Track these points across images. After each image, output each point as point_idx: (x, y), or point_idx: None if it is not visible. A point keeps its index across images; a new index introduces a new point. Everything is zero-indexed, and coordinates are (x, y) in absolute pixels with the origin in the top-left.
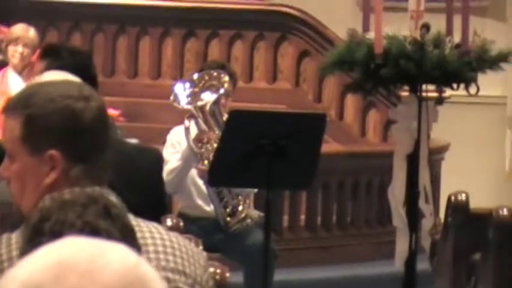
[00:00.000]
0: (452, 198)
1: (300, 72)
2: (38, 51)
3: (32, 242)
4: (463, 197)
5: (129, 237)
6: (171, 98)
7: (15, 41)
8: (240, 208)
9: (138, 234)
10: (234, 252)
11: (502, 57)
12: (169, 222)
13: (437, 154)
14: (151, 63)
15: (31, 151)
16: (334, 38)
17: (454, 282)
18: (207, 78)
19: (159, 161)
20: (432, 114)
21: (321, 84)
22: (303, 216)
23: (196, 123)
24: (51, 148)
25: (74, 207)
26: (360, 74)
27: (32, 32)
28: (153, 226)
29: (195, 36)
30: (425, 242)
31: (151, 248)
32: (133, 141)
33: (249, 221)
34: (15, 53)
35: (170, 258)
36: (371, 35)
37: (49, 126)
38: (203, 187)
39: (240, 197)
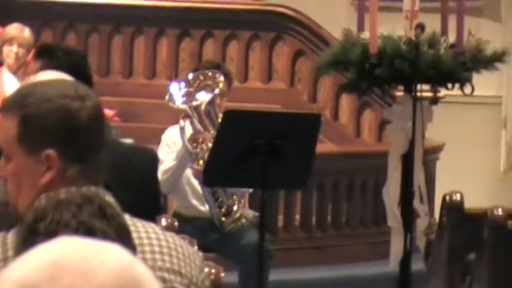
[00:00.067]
0: (447, 198)
1: (295, 72)
2: (32, 51)
3: (27, 242)
4: (457, 197)
5: (124, 237)
6: (166, 97)
7: (10, 41)
8: (235, 208)
9: (134, 234)
10: (229, 252)
11: (497, 57)
12: (164, 222)
13: (432, 154)
14: (146, 63)
15: (27, 151)
16: (329, 38)
17: (448, 282)
18: (202, 78)
19: (154, 160)
20: (427, 114)
21: (316, 84)
22: (297, 216)
23: (192, 123)
24: (48, 148)
25: (69, 207)
26: (354, 74)
27: (26, 32)
28: (149, 226)
29: (190, 36)
30: (420, 242)
31: (147, 248)
32: (128, 141)
33: (244, 220)
34: (10, 53)
35: (166, 258)
36: (366, 35)
37: (45, 126)
38: (198, 187)
39: (234, 196)
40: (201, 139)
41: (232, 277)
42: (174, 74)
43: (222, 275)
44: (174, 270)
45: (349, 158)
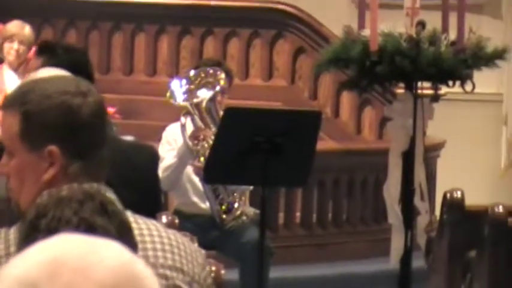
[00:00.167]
0: (448, 195)
1: (296, 70)
2: (33, 48)
3: (28, 238)
4: (458, 194)
5: (125, 234)
6: (168, 94)
7: (10, 38)
8: (236, 205)
9: (136, 232)
10: (230, 250)
11: (498, 55)
12: (164, 219)
13: (432, 151)
14: (147, 61)
15: (29, 147)
16: (330, 35)
17: (449, 279)
18: (203, 75)
19: (154, 158)
20: (428, 112)
21: (317, 82)
22: (298, 214)
23: (192, 120)
24: (50, 144)
25: (70, 203)
26: (355, 71)
27: (27, 29)
28: (151, 223)
29: (191, 34)
30: (421, 240)
31: (149, 246)
32: (129, 138)
33: (244, 218)
34: (10, 50)
35: (168, 255)
36: (366, 32)
37: (46, 123)
38: (199, 184)
39: (235, 194)
40: (202, 136)
41: (233, 274)
42: (175, 72)
43: (223, 272)
44: (176, 268)
45: (349, 155)
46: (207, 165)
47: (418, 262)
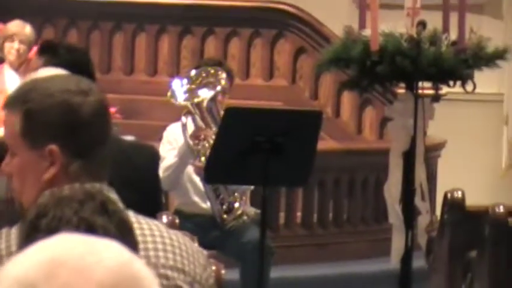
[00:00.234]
0: (449, 195)
1: (297, 69)
2: (34, 48)
3: (28, 238)
4: (459, 194)
5: (126, 233)
6: (169, 94)
7: (11, 37)
8: (237, 205)
9: (138, 232)
10: (230, 249)
11: (498, 55)
12: (164, 219)
13: (433, 151)
14: (148, 60)
15: (31, 146)
16: (331, 35)
17: (449, 279)
18: (204, 75)
19: (155, 158)
20: (428, 112)
21: (317, 82)
22: (299, 214)
23: (193, 120)
24: (51, 143)
25: (70, 203)
26: (356, 71)
27: (28, 29)
28: (153, 223)
29: (192, 34)
30: (422, 239)
31: (150, 246)
32: (130, 138)
33: (245, 218)
34: (11, 49)
35: (170, 255)
36: (367, 32)
37: (47, 121)
38: (200, 184)
39: (236, 194)
40: (202, 136)
41: (233, 274)
42: (176, 71)
43: (223, 272)
44: (177, 268)
45: (350, 155)
46: (208, 165)
47: (418, 262)
